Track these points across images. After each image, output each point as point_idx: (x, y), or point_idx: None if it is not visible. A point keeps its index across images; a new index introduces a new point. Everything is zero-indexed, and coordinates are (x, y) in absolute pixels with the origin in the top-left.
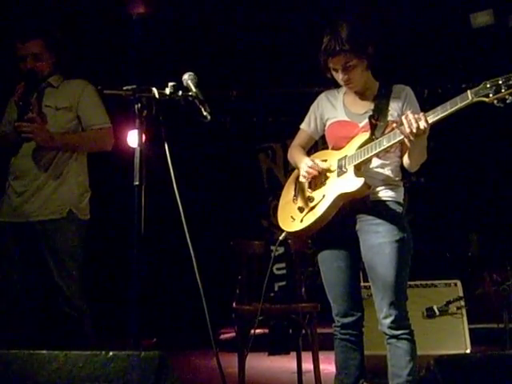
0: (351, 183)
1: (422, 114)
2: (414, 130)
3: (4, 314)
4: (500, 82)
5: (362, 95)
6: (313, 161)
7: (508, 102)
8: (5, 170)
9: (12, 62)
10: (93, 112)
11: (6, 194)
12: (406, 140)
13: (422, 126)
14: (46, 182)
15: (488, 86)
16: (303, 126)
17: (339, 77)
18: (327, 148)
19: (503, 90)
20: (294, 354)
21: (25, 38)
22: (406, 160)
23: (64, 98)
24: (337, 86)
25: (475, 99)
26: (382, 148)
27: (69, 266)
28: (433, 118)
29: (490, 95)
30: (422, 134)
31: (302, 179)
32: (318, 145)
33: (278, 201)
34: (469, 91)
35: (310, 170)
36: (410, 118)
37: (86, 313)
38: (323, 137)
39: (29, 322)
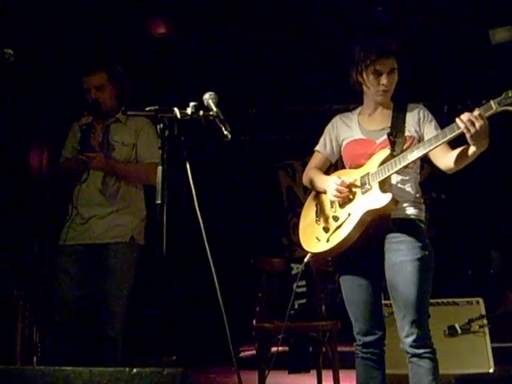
0: (379, 199)
1: (477, 111)
2: (473, 131)
3: (59, 330)
4: None
5: (376, 114)
6: (339, 178)
7: None
8: (61, 195)
9: (75, 94)
10: (147, 147)
11: (71, 220)
12: (471, 142)
13: (478, 126)
14: (113, 210)
15: (510, 94)
16: (319, 147)
17: (382, 81)
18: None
19: None
20: (314, 372)
21: (90, 71)
22: (451, 159)
23: (130, 135)
24: (356, 103)
25: (499, 109)
26: (407, 162)
27: (122, 289)
28: (458, 130)
29: None
30: (483, 131)
31: (332, 198)
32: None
33: (298, 218)
34: (492, 101)
35: (341, 188)
36: (465, 120)
37: (122, 336)
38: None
39: (78, 339)
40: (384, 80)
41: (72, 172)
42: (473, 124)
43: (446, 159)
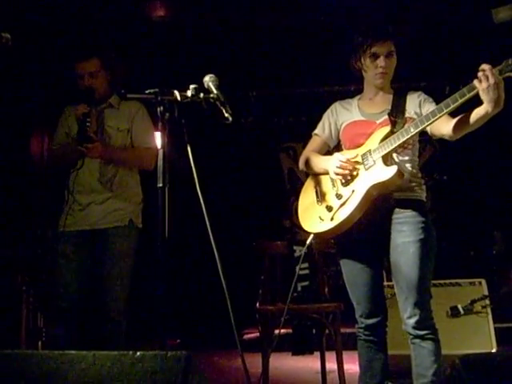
0: (384, 172)
1: (457, 98)
2: (485, 85)
3: (62, 315)
4: None
5: (377, 98)
6: (342, 155)
7: None
8: (63, 181)
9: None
10: (142, 132)
11: (68, 207)
12: (484, 97)
13: (491, 80)
14: (110, 196)
15: (510, 62)
16: (317, 131)
17: (380, 63)
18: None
19: None
20: (317, 354)
21: (83, 57)
22: (455, 123)
23: (124, 120)
24: (357, 84)
25: (500, 76)
26: (410, 135)
27: (123, 271)
28: (459, 99)
29: None
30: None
31: (334, 176)
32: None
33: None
34: (493, 69)
35: (345, 164)
36: (485, 69)
37: (124, 318)
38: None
39: (81, 323)
40: (382, 62)
41: (66, 159)
42: (486, 78)
43: (449, 125)
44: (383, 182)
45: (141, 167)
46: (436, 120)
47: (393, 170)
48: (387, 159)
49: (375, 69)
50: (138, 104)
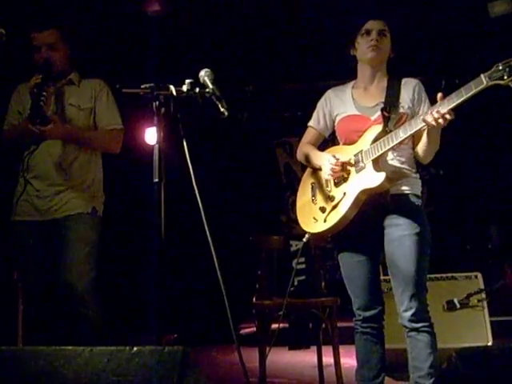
0: (372, 179)
1: (446, 104)
2: (442, 122)
3: (29, 313)
4: None
5: (371, 88)
6: (334, 156)
7: None
8: (17, 165)
9: (17, 54)
10: (107, 112)
11: (23, 191)
12: (428, 131)
13: (449, 118)
14: (69, 184)
15: (500, 68)
16: (312, 123)
17: (370, 38)
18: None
19: None
20: (314, 348)
21: (40, 27)
22: (420, 151)
23: (86, 99)
24: (353, 79)
25: (490, 83)
26: (399, 140)
27: (86, 261)
28: (448, 105)
29: (505, 77)
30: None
31: (327, 177)
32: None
33: (296, 196)
34: (482, 75)
35: (336, 168)
36: (435, 113)
37: (97, 311)
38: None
39: (52, 320)
40: (374, 35)
41: (20, 143)
42: (445, 119)
43: (419, 148)
44: (371, 189)
45: (106, 150)
46: (422, 127)
47: (381, 177)
48: (378, 162)
49: (367, 43)
50: (102, 82)
